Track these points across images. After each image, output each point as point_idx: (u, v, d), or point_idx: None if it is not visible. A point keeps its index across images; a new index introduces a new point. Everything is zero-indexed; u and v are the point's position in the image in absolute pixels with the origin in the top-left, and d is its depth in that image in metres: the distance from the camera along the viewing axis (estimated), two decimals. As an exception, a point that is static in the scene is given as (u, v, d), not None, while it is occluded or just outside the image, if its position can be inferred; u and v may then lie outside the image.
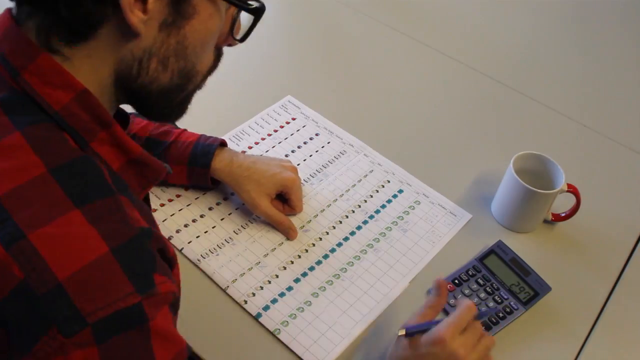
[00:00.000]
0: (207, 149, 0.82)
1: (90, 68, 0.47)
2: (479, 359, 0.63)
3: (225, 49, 0.58)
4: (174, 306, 0.49)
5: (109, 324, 0.41)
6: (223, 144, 0.85)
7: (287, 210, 0.86)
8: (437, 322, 0.64)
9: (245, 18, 0.54)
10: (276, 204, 0.85)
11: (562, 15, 1.37)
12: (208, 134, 0.86)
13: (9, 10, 0.48)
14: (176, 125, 0.87)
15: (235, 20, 0.54)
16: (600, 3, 1.40)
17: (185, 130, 0.86)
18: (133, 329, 0.42)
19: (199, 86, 0.56)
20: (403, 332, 0.64)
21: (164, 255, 0.49)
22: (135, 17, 0.45)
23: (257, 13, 0.52)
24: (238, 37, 0.55)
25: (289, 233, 0.83)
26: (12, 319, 0.40)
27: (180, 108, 0.56)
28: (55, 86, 0.46)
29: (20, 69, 0.45)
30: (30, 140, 0.44)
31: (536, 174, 0.88)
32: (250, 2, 0.51)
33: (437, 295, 0.69)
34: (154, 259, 0.45)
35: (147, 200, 0.62)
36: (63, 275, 0.40)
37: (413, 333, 0.64)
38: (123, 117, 0.62)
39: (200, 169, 0.83)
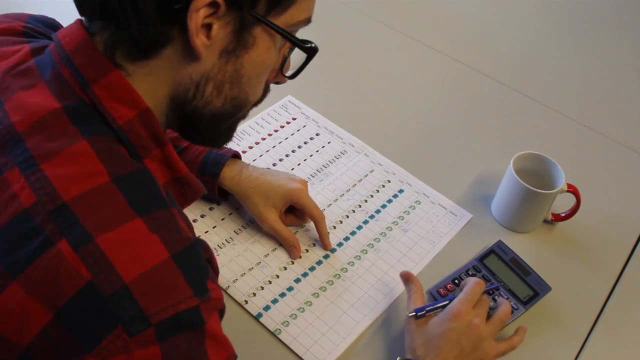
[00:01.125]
0: (219, 159, 0.81)
1: (148, 86, 0.49)
2: (494, 329, 0.70)
3: None
4: (222, 312, 0.51)
5: (171, 325, 0.43)
6: (236, 155, 0.84)
7: (306, 221, 0.84)
8: (443, 302, 0.70)
9: (294, 57, 0.57)
10: (291, 219, 0.83)
11: (562, 15, 1.37)
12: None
13: (80, 21, 0.50)
14: None
15: (286, 58, 0.56)
16: (600, 3, 1.40)
17: None
18: (191, 329, 0.44)
19: (245, 115, 0.58)
20: (413, 314, 0.69)
21: (211, 265, 0.51)
22: (200, 40, 0.47)
23: (311, 52, 0.54)
24: (288, 74, 0.58)
25: (292, 251, 0.82)
26: (77, 318, 0.42)
27: (226, 135, 0.58)
28: (121, 102, 0.48)
29: (91, 81, 0.48)
30: (96, 148, 0.46)
31: (536, 174, 0.88)
32: (304, 41, 0.53)
33: (411, 283, 0.74)
34: (207, 266, 0.48)
35: None
36: (129, 278, 0.42)
37: (423, 314, 0.70)
38: None
39: (208, 177, 0.81)
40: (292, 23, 0.51)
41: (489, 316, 0.71)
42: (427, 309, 0.70)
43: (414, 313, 0.69)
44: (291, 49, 0.55)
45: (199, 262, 0.47)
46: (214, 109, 0.53)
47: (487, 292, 0.75)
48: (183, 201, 0.56)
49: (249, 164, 0.84)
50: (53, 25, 0.61)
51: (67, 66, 0.48)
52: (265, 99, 0.59)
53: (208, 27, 0.47)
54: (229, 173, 0.81)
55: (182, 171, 0.53)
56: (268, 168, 0.93)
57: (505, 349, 0.71)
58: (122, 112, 0.48)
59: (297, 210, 0.83)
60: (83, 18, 0.50)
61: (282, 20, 0.50)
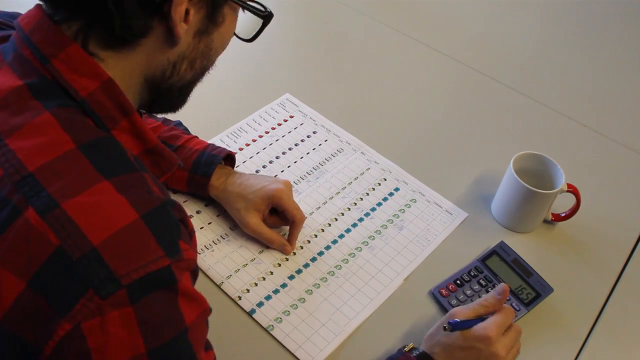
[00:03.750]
0: (212, 159, 0.81)
1: (123, 69, 0.50)
2: (512, 358, 0.69)
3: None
4: (194, 274, 0.51)
5: (142, 285, 0.43)
6: (230, 155, 0.84)
7: (286, 223, 0.82)
8: (479, 320, 0.68)
9: (252, 22, 0.60)
10: (275, 220, 0.82)
11: (562, 15, 1.36)
12: (206, 131, 0.85)
13: (39, 6, 0.51)
14: (187, 131, 0.87)
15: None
16: (600, 3, 1.40)
17: (195, 137, 0.86)
18: (163, 289, 0.45)
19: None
20: (449, 327, 0.66)
21: (185, 226, 0.51)
22: (181, 28, 0.49)
23: (267, 19, 0.58)
24: (247, 37, 0.61)
25: (283, 250, 0.81)
26: (50, 284, 0.42)
27: (184, 98, 0.60)
28: (82, 74, 0.49)
29: (50, 56, 0.48)
30: (59, 119, 0.47)
31: (536, 174, 0.87)
32: (260, 8, 0.57)
33: (497, 299, 0.70)
34: (179, 226, 0.48)
35: None
36: (97, 241, 0.43)
37: (457, 329, 0.67)
38: None
39: (200, 177, 0.81)
40: None
41: None
42: (466, 326, 0.67)
43: (450, 327, 0.66)
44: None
45: (169, 222, 0.47)
46: (184, 81, 0.56)
47: (488, 292, 0.74)
48: (159, 173, 0.56)
49: (235, 171, 0.84)
50: None
51: (27, 45, 0.49)
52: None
53: (186, 13, 0.49)
54: (215, 181, 0.81)
55: (152, 141, 0.54)
56: (257, 170, 0.92)
57: None
58: (83, 83, 0.49)
59: (281, 213, 0.81)
60: (42, 3, 0.50)
61: None
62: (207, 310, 0.51)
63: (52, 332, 0.42)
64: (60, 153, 0.45)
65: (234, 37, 0.60)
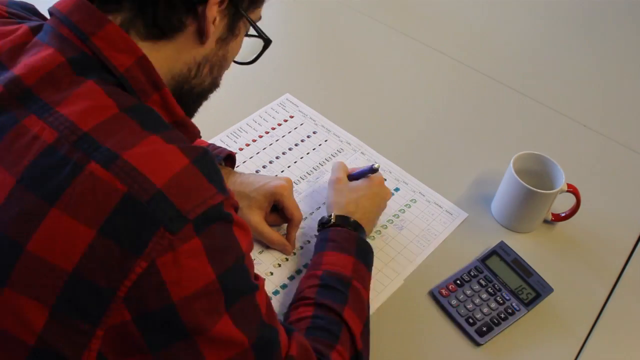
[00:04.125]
0: None
1: (155, 62, 0.54)
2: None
3: None
4: (236, 210, 0.55)
5: (205, 218, 0.48)
6: (231, 155, 0.84)
7: (285, 221, 0.82)
8: (367, 169, 0.83)
9: (254, 45, 0.65)
10: (275, 218, 0.82)
11: (562, 15, 1.37)
12: (206, 131, 0.85)
13: None
14: None
15: None
16: (600, 3, 1.40)
17: None
18: (221, 220, 0.50)
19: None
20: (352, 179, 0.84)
21: None
22: (212, 29, 0.55)
23: (268, 44, 0.64)
24: (248, 60, 0.66)
25: (284, 250, 0.81)
26: (121, 228, 0.45)
27: (197, 107, 0.65)
28: (120, 50, 0.52)
29: (90, 34, 0.51)
30: (103, 86, 0.51)
31: (536, 174, 0.87)
32: (263, 33, 0.63)
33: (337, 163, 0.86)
34: (220, 170, 0.52)
35: None
36: (161, 183, 0.46)
37: (356, 178, 0.84)
38: None
39: None
40: (256, 18, 0.62)
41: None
42: (358, 173, 0.84)
43: (353, 176, 0.84)
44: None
45: (214, 166, 0.51)
46: (203, 87, 0.61)
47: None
48: None
49: (235, 171, 0.84)
50: (33, 10, 0.63)
51: (66, 25, 0.52)
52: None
53: (214, 19, 0.55)
54: None
55: (180, 114, 0.58)
56: (257, 170, 0.92)
57: None
58: (121, 60, 0.52)
59: (280, 210, 0.82)
60: None
61: (253, 16, 0.60)
62: (252, 241, 0.56)
63: (127, 272, 0.45)
64: (108, 116, 0.49)
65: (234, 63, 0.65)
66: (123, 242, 0.45)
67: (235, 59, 0.64)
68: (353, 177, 0.84)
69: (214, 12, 0.54)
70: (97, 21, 0.52)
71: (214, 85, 0.63)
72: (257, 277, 0.56)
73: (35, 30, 0.54)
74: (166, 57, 0.55)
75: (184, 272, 0.47)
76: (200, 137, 0.64)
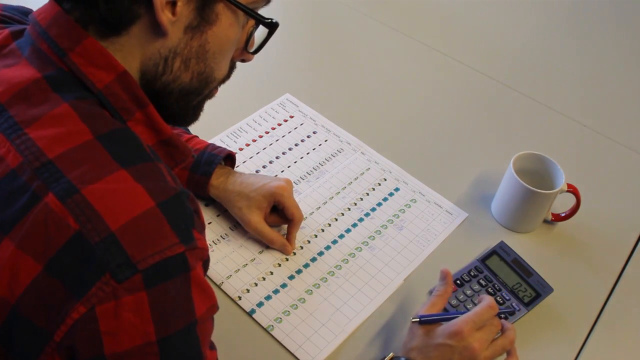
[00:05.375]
0: (212, 158, 0.81)
1: (120, 61, 0.51)
2: (493, 355, 0.66)
3: None
4: (206, 265, 0.51)
5: (157, 271, 0.44)
6: (231, 155, 0.84)
7: (285, 221, 0.82)
8: (453, 315, 0.67)
9: (258, 35, 0.59)
10: (275, 219, 0.82)
11: (562, 15, 1.36)
12: (206, 131, 0.85)
13: (53, 1, 0.52)
14: (188, 131, 0.87)
15: (250, 36, 0.58)
16: (600, 3, 1.40)
17: (196, 136, 0.85)
18: (178, 276, 0.45)
19: (212, 93, 0.60)
20: (417, 319, 0.67)
21: (197, 217, 0.52)
22: (165, 17, 0.49)
23: (272, 28, 0.56)
24: (252, 50, 0.60)
25: (284, 250, 0.81)
26: (67, 267, 0.43)
27: (194, 112, 0.60)
28: (98, 67, 0.50)
29: (67, 50, 0.49)
30: (78, 110, 0.48)
31: (536, 174, 0.87)
32: (266, 18, 0.55)
33: (444, 284, 0.71)
34: (193, 216, 0.49)
35: None
36: (115, 226, 0.43)
37: (427, 322, 0.67)
38: None
39: (200, 177, 0.81)
40: (247, 1, 0.53)
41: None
42: (434, 318, 0.67)
43: (418, 319, 0.67)
44: (255, 27, 0.57)
45: (184, 211, 0.48)
46: (182, 84, 0.54)
47: (500, 315, 0.69)
48: (172, 164, 0.57)
49: (235, 171, 0.84)
50: (28, 13, 0.62)
51: (44, 39, 0.50)
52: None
53: (173, 4, 0.49)
54: (215, 181, 0.81)
55: (167, 132, 0.54)
56: (257, 170, 0.92)
57: None
58: (100, 76, 0.50)
59: (280, 210, 0.81)
60: None
61: None
62: (215, 306, 0.51)
63: (65, 316, 0.42)
64: (79, 143, 0.46)
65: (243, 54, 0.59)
66: (66, 283, 0.43)
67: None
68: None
69: None
70: (75, 36, 0.49)
71: (204, 82, 0.56)
72: (212, 346, 0.53)
73: (16, 35, 0.53)
74: (131, 55, 0.51)
75: (122, 326, 0.43)
76: (193, 156, 0.60)
